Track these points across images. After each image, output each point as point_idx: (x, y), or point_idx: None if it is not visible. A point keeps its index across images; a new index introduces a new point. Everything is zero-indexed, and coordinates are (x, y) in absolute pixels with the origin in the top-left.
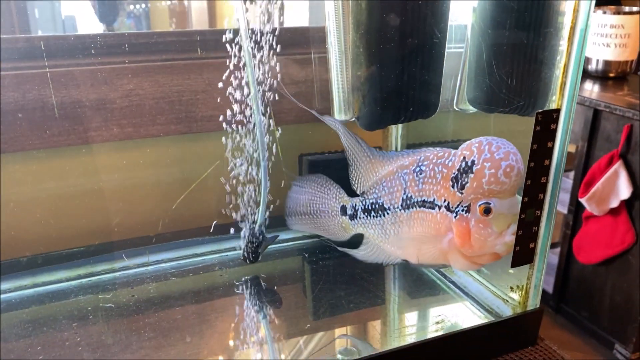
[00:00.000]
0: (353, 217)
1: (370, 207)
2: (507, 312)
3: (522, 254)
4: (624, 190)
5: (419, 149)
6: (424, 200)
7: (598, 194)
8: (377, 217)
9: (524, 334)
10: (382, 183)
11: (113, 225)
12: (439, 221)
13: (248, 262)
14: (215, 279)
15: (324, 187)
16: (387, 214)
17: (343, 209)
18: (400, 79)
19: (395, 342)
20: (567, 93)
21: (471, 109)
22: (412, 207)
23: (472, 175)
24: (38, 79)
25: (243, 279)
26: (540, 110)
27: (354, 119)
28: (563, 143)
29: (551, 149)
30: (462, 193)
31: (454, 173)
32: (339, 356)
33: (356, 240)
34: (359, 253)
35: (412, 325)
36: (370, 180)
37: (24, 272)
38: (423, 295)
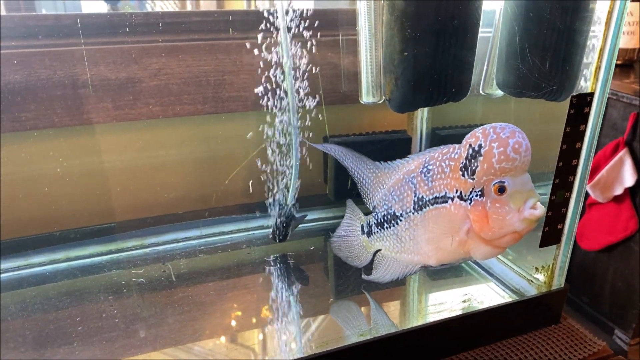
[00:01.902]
0: (369, 233)
1: (383, 220)
2: (531, 292)
3: (551, 235)
4: (629, 178)
5: (423, 151)
6: (435, 197)
7: (603, 181)
8: (390, 227)
9: (547, 312)
10: (391, 193)
11: (145, 202)
12: (454, 212)
13: (277, 241)
14: (243, 257)
15: (352, 210)
16: (400, 221)
17: (362, 228)
18: (435, 61)
19: (420, 320)
20: (601, 77)
21: (497, 93)
22: (425, 207)
23: (481, 159)
24: (68, 57)
25: (270, 257)
26: (575, 94)
27: (382, 101)
28: (595, 127)
29: (583, 132)
30: (473, 179)
31: (462, 162)
32: (362, 333)
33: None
34: (374, 277)
35: (438, 304)
36: (380, 194)
37: (57, 246)
38: (447, 276)
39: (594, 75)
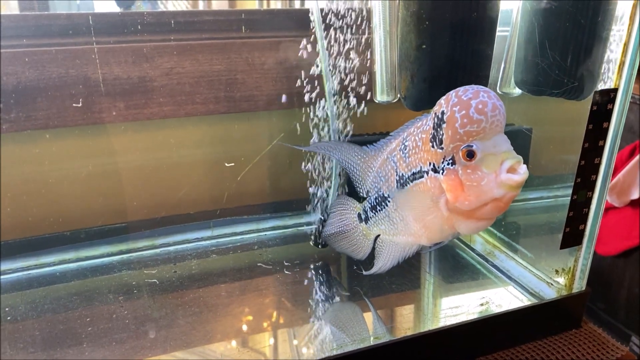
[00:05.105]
0: (367, 219)
1: (375, 203)
2: (551, 295)
3: (572, 236)
4: None
5: (403, 127)
6: (413, 173)
7: (619, 185)
8: (382, 209)
9: (568, 316)
10: (378, 174)
11: (156, 202)
12: (430, 186)
13: (320, 247)
14: (254, 258)
15: (343, 204)
16: (389, 202)
17: (359, 217)
18: (452, 57)
19: (437, 324)
20: (625, 73)
21: (515, 92)
22: (406, 185)
23: (445, 125)
24: (80, 56)
25: (283, 259)
26: (598, 90)
27: (396, 100)
28: (618, 124)
29: (606, 130)
30: (442, 148)
31: (431, 133)
32: (381, 335)
33: None
34: (377, 267)
35: (454, 307)
36: (370, 177)
37: (67, 245)
38: (465, 279)
39: (617, 71)
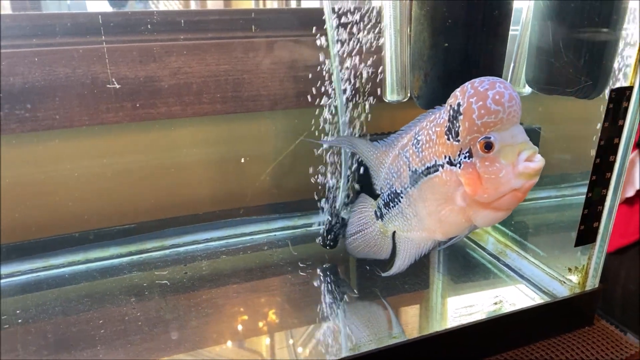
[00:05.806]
0: (382, 216)
1: (388, 199)
2: (563, 293)
3: (586, 233)
4: None
5: (414, 121)
6: (427, 167)
7: None
8: (394, 206)
9: (581, 314)
10: (390, 171)
11: (164, 203)
12: (446, 180)
13: (329, 247)
14: (265, 258)
15: (361, 203)
16: (402, 198)
17: (375, 214)
18: (465, 57)
19: (453, 323)
20: None
21: (525, 91)
22: (420, 180)
23: (461, 117)
24: (87, 55)
25: (294, 259)
26: (614, 88)
27: (407, 99)
28: (633, 122)
29: (621, 127)
30: (458, 140)
31: (446, 126)
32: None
33: None
34: (396, 266)
35: (469, 306)
36: (383, 173)
37: (76, 247)
38: (478, 278)
39: (633, 68)
